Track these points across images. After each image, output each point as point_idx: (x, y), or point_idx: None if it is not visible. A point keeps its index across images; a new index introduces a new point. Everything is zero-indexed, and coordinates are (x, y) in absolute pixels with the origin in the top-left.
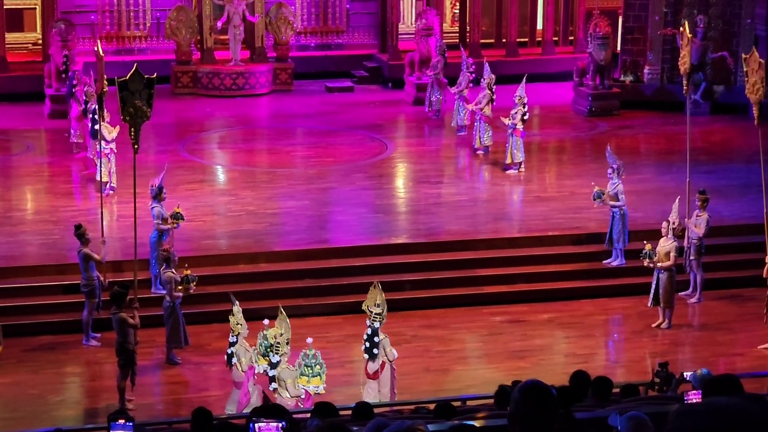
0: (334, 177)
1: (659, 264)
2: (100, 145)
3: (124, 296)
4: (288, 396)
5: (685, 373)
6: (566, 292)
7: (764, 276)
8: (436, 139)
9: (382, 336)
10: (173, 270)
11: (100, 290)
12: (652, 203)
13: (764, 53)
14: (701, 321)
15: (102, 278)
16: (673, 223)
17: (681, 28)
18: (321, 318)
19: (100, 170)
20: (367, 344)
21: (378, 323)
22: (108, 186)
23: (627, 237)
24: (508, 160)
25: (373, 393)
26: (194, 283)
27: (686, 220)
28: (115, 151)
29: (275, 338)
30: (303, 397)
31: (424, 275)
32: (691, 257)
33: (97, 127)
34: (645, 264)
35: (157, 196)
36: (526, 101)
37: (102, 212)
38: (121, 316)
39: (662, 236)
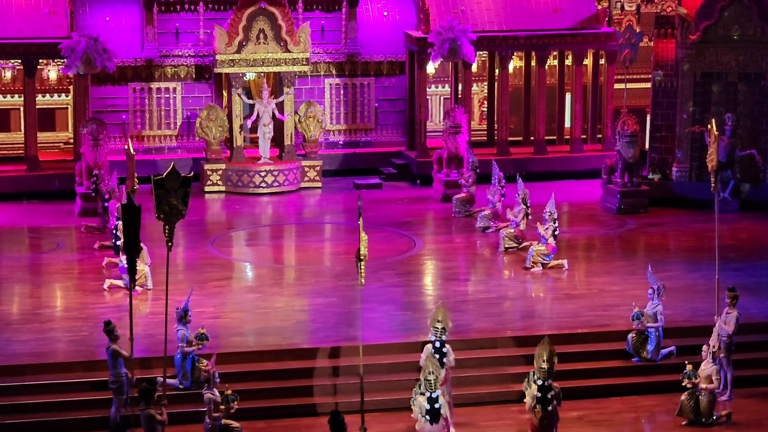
0: None
1: (700, 386)
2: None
3: (153, 393)
4: None
5: None
6: (596, 390)
7: None
8: (465, 236)
9: (447, 347)
10: (213, 391)
11: (128, 387)
12: (681, 300)
13: None
14: (732, 419)
15: (130, 375)
16: (713, 347)
17: (709, 126)
18: (348, 416)
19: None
20: (437, 356)
21: (444, 336)
22: (142, 285)
23: (659, 355)
24: (528, 264)
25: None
26: (235, 402)
27: (715, 317)
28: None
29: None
30: None
31: (453, 373)
32: (721, 355)
33: (119, 243)
34: (684, 384)
35: (183, 318)
36: (556, 217)
37: (131, 309)
38: (149, 412)
39: (702, 360)
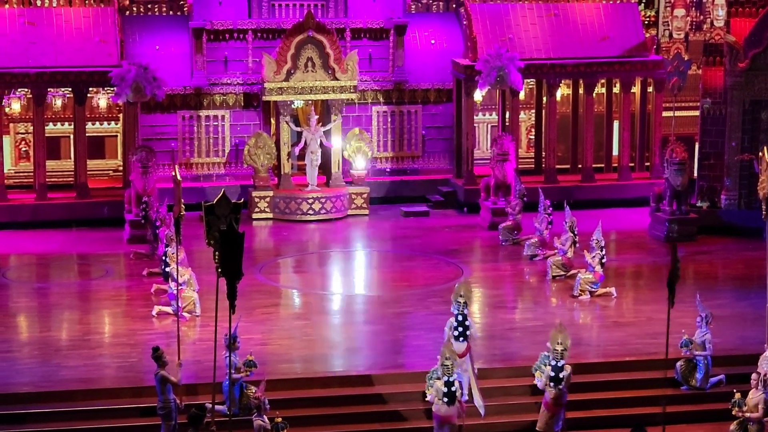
0: (409, 301)
1: (748, 414)
2: (178, 287)
3: (201, 419)
4: None
5: None
6: (644, 418)
7: None
8: (512, 264)
9: (469, 320)
10: (263, 418)
11: (177, 413)
12: (730, 329)
13: None
14: None
15: (178, 401)
16: (764, 375)
17: (761, 154)
18: None
19: (177, 305)
20: (461, 329)
21: (466, 310)
22: (190, 312)
23: (708, 384)
24: (576, 292)
25: (462, 368)
26: (285, 430)
27: (765, 345)
28: (185, 290)
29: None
30: None
31: (500, 401)
32: None
33: (168, 269)
34: (734, 413)
35: (231, 345)
36: (603, 245)
37: (179, 335)
38: None
39: (752, 388)
